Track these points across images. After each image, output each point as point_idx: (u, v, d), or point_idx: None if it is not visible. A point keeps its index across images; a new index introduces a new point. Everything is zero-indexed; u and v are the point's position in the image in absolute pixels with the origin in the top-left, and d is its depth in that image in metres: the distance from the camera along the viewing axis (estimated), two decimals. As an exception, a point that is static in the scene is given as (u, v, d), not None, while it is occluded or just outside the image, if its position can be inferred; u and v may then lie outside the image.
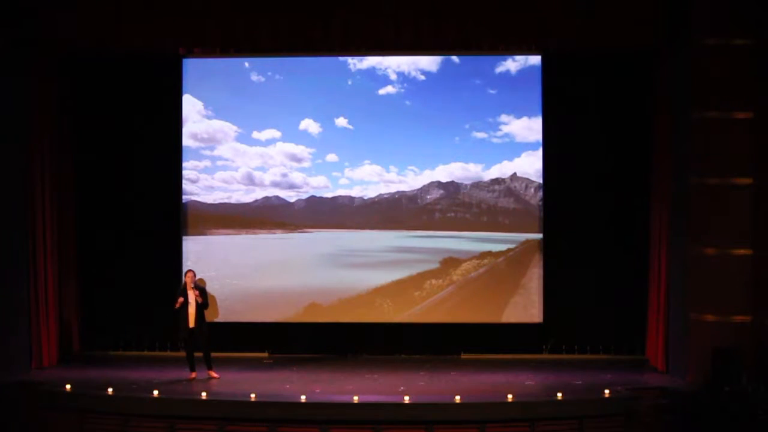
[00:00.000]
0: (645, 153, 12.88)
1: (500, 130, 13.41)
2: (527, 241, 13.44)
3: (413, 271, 13.51)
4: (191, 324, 11.69)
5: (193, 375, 11.74)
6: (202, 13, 12.23)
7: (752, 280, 11.30)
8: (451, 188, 13.60)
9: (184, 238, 13.57)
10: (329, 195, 13.63)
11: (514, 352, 13.24)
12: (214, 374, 11.78)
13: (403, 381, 11.65)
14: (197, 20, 12.27)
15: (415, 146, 13.53)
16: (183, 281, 11.86)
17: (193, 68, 13.50)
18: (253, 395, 10.59)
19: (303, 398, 10.39)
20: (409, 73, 13.49)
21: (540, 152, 13.29)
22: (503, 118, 13.40)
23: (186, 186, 13.58)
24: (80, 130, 13.41)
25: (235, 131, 13.62)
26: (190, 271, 11.88)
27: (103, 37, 12.30)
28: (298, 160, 13.60)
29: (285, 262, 13.61)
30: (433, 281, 13.50)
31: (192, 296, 11.67)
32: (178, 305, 11.62)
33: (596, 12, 11.90)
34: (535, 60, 13.29)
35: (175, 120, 13.53)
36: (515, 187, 13.53)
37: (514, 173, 13.49)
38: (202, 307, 11.74)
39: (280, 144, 13.60)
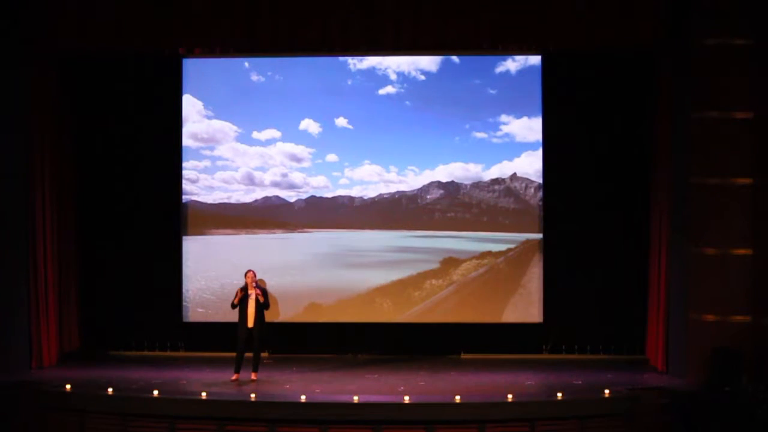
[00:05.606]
0: (645, 153, 12.89)
1: (500, 130, 13.42)
2: (527, 241, 13.44)
3: (413, 271, 13.51)
4: (250, 324, 11.53)
5: (236, 377, 11.53)
6: (202, 13, 12.22)
7: (752, 280, 11.30)
8: (451, 188, 13.59)
9: (184, 238, 13.57)
10: (329, 195, 13.63)
11: (514, 352, 13.23)
12: (255, 376, 11.63)
13: (403, 381, 11.65)
14: (197, 20, 12.25)
15: (415, 146, 13.53)
16: (244, 282, 11.62)
17: (193, 68, 13.50)
18: (253, 395, 10.61)
19: (303, 398, 10.39)
20: (409, 73, 13.49)
21: (540, 152, 13.29)
22: (503, 118, 13.40)
23: (186, 186, 13.58)
24: (80, 130, 13.41)
25: (235, 131, 13.62)
26: (250, 270, 11.62)
27: (104, 37, 12.26)
28: (298, 160, 13.60)
29: (285, 262, 13.60)
30: (433, 281, 13.49)
31: (253, 296, 11.52)
32: (236, 300, 11.48)
33: (596, 12, 11.89)
34: (535, 60, 13.29)
35: (175, 120, 13.53)
36: (515, 187, 13.52)
37: (514, 173, 13.49)
38: (262, 307, 11.58)
39: (280, 144, 13.61)
